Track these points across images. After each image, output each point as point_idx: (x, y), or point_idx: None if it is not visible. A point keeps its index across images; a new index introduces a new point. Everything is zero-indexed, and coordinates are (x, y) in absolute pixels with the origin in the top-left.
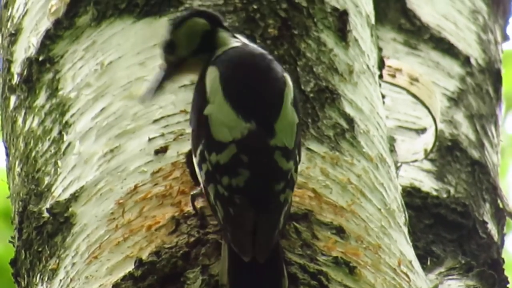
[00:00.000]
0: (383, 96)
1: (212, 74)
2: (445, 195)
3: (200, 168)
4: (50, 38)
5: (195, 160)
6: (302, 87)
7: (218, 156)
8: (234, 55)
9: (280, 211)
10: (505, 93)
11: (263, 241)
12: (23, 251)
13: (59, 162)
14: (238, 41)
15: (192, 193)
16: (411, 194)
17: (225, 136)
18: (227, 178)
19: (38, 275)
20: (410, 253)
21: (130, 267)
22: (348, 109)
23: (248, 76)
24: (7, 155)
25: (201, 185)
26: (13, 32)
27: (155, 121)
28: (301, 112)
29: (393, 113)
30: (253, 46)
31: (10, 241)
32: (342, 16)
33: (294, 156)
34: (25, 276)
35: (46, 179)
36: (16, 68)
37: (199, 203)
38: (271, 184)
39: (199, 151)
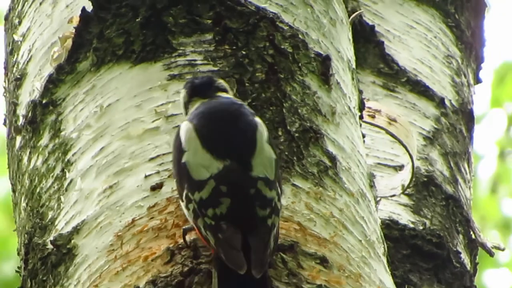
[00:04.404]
0: (364, 136)
1: (185, 127)
2: (421, 227)
3: (188, 209)
4: (52, 82)
5: (183, 205)
6: (288, 127)
7: (200, 193)
8: (204, 108)
9: (270, 234)
10: None
11: (258, 258)
12: (29, 280)
13: (62, 197)
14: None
15: (184, 227)
16: (390, 227)
17: (203, 175)
18: (212, 209)
19: None
20: (389, 281)
21: None
22: (331, 148)
23: (219, 122)
24: (13, 191)
25: (192, 224)
26: (18, 76)
27: (151, 159)
28: (277, 149)
29: (373, 151)
30: (223, 97)
31: (16, 271)
32: (325, 61)
33: (275, 187)
34: None
35: (50, 214)
36: (21, 111)
37: (192, 235)
38: (254, 209)
39: (184, 195)
